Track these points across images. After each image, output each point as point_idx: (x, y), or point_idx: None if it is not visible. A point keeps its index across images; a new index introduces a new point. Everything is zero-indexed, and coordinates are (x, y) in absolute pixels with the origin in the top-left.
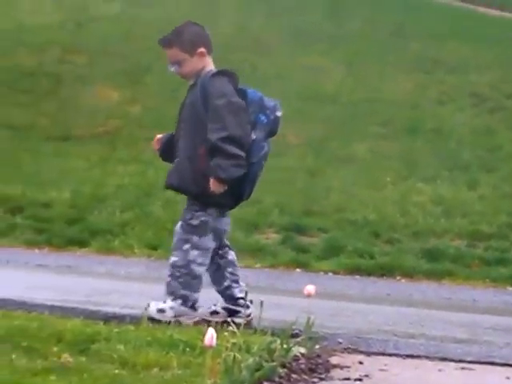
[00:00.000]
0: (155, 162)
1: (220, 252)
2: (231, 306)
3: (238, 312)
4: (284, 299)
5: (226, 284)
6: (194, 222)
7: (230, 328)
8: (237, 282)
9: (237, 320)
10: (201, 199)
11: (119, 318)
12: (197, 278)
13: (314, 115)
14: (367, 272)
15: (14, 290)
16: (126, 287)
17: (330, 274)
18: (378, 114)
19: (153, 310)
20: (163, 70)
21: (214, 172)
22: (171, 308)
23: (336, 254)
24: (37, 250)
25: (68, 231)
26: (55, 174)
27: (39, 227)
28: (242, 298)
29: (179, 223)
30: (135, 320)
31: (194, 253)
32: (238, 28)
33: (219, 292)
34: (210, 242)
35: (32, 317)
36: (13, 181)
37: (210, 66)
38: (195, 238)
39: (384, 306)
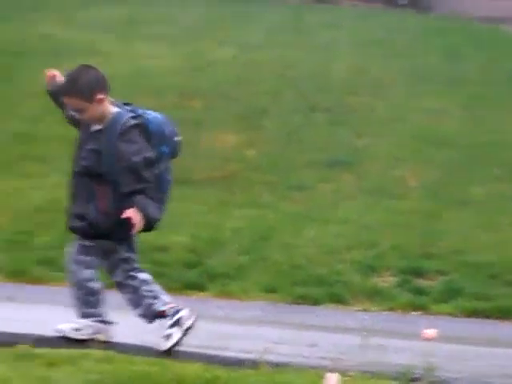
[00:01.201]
0: (272, 205)
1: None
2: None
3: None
4: (402, 343)
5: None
6: (121, 255)
7: (351, 373)
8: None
9: (100, 337)
10: (105, 237)
11: (238, 363)
12: (154, 289)
13: (431, 158)
14: (486, 315)
15: (134, 334)
16: (244, 331)
17: (448, 316)
18: (496, 157)
19: (165, 343)
20: (280, 114)
21: (142, 207)
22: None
23: (454, 297)
24: None
25: (186, 275)
26: (173, 217)
27: (157, 271)
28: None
29: (107, 262)
30: (254, 364)
31: (139, 275)
32: (355, 71)
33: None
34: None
35: (153, 361)
36: None
37: (110, 108)
38: (129, 266)
39: (506, 349)
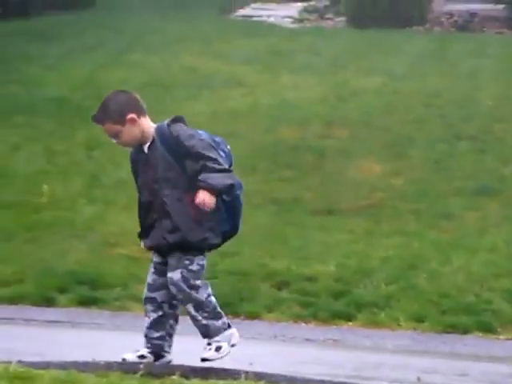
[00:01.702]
0: (419, 233)
1: (173, 302)
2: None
3: (163, 356)
4: None
5: (159, 334)
6: (194, 267)
7: None
8: (171, 336)
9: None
10: (199, 246)
11: None
12: (216, 306)
13: None
14: None
15: (282, 364)
16: (393, 361)
17: None
18: None
19: (213, 354)
20: (425, 142)
21: (204, 182)
22: (221, 341)
23: None
24: (303, 324)
25: (334, 305)
26: (320, 247)
27: (305, 301)
28: (167, 352)
29: (178, 272)
30: None
31: (203, 292)
32: (501, 98)
33: (148, 337)
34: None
35: None
36: (279, 255)
37: (148, 125)
38: (198, 282)
39: None
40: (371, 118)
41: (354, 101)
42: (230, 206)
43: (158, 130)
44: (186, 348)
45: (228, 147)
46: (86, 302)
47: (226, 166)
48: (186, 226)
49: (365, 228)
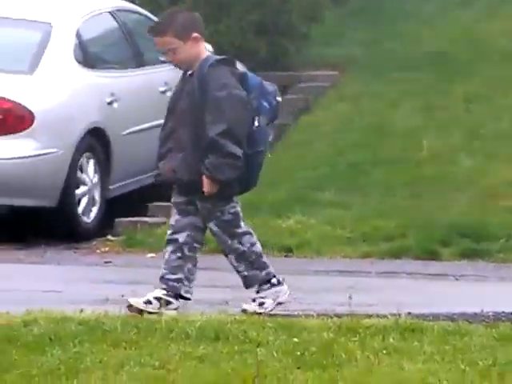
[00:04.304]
0: None
1: (194, 245)
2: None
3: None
4: None
5: (176, 277)
6: (226, 217)
7: None
8: (189, 280)
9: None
10: (216, 192)
11: None
12: (262, 255)
13: None
14: None
15: None
16: None
17: None
18: None
19: (253, 308)
20: None
21: (209, 172)
22: (266, 297)
23: None
24: None
25: None
26: None
27: None
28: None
29: (213, 224)
30: None
31: (245, 239)
32: None
33: (165, 278)
34: (244, 225)
35: None
36: None
37: (204, 52)
38: (238, 230)
39: None
40: None
41: None
42: (255, 160)
43: (201, 64)
44: None
45: (278, 99)
46: (469, 255)
47: (237, 152)
48: (198, 168)
49: None
